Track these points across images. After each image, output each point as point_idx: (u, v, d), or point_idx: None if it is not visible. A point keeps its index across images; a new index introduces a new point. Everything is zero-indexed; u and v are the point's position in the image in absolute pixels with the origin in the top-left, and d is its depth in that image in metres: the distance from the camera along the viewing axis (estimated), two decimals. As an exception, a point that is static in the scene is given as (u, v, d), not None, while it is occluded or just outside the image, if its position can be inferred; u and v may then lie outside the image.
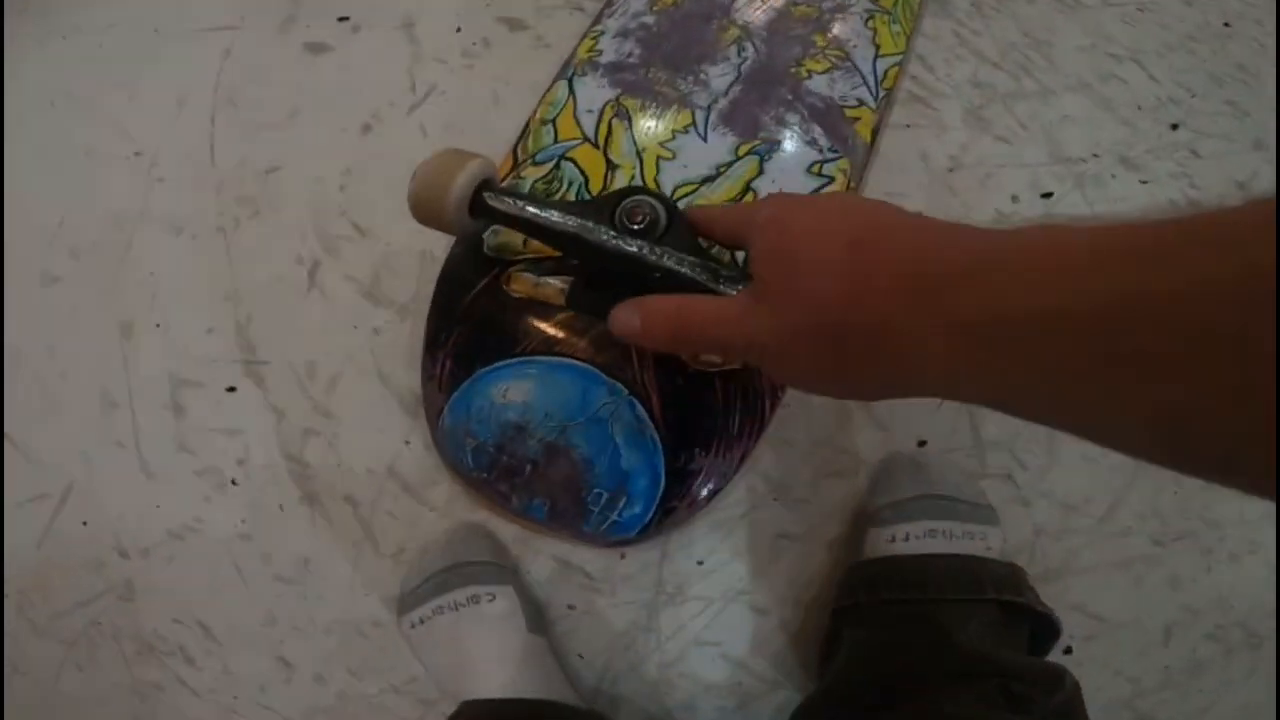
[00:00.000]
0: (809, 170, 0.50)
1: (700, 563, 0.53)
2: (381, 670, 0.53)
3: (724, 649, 0.53)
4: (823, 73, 0.54)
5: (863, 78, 0.55)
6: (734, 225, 0.36)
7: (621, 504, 0.45)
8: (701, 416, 0.44)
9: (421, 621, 0.49)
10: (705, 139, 0.51)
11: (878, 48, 0.56)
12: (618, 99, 0.52)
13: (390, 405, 0.56)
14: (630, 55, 0.54)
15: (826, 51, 0.55)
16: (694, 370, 0.44)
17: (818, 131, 0.52)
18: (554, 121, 0.52)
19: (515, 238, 0.47)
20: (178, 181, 0.63)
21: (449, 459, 0.48)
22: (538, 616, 0.51)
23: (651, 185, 0.49)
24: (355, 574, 0.54)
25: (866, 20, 0.57)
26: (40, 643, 0.55)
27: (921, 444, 0.55)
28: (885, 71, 0.56)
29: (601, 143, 0.50)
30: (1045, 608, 0.45)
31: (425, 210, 0.39)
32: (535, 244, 0.45)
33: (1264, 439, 0.17)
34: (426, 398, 0.48)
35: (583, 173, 0.49)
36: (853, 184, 0.52)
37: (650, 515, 0.45)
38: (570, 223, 0.38)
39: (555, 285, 0.45)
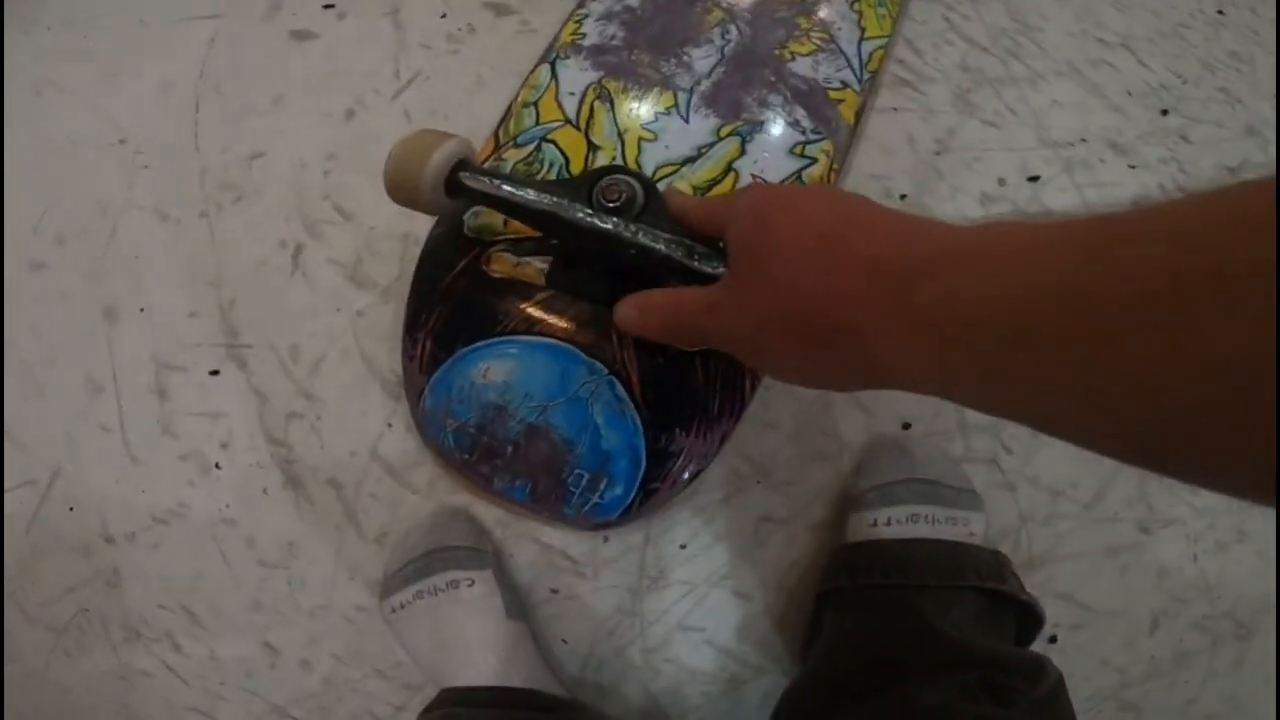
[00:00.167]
0: (791, 151, 0.50)
1: (683, 546, 0.53)
2: (366, 655, 0.53)
3: (708, 634, 0.52)
4: (807, 55, 0.54)
5: (847, 60, 0.54)
6: (711, 214, 0.36)
7: (603, 485, 0.45)
8: (682, 395, 0.44)
9: (402, 606, 0.49)
10: (688, 120, 0.50)
11: (863, 30, 0.56)
12: (600, 81, 0.52)
13: (373, 388, 0.56)
14: (614, 38, 0.54)
15: (811, 34, 0.55)
16: (675, 350, 0.44)
17: (801, 113, 0.51)
18: (536, 104, 0.52)
19: (495, 218, 0.46)
20: (162, 168, 0.63)
21: (430, 441, 0.47)
22: (518, 602, 0.51)
23: (633, 166, 0.48)
24: (339, 558, 0.54)
25: (852, 3, 0.57)
26: (31, 630, 0.55)
27: (906, 427, 0.55)
28: (870, 54, 0.55)
29: (583, 125, 0.50)
30: (1028, 596, 0.45)
31: (401, 190, 0.39)
32: (515, 224, 0.45)
33: (1181, 425, 0.17)
34: (407, 379, 0.48)
35: (564, 154, 0.49)
36: (836, 165, 0.51)
37: (631, 497, 0.45)
38: (546, 200, 0.38)
39: (535, 265, 0.45)
